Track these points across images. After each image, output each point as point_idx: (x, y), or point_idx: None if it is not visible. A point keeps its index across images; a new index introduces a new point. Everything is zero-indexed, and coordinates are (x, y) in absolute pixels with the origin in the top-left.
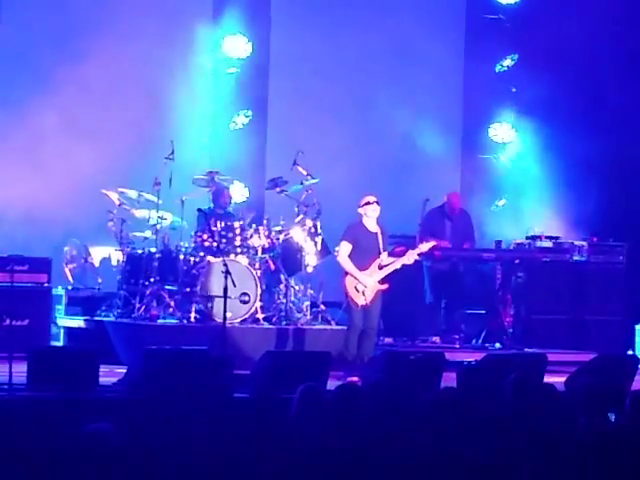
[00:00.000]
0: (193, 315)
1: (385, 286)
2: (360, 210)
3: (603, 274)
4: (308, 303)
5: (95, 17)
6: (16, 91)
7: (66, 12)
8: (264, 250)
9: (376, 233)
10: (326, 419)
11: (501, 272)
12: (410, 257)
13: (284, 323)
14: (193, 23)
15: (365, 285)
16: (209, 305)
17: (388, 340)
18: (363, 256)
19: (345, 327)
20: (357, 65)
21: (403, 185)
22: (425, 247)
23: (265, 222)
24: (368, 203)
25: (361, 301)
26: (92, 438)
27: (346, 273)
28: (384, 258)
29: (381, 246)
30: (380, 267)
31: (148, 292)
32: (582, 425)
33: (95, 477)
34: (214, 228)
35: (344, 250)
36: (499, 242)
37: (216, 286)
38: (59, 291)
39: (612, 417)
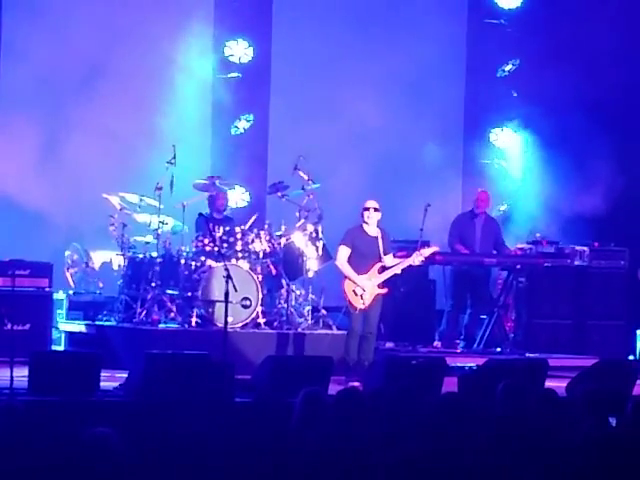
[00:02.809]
0: (194, 320)
1: (384, 290)
2: (361, 215)
3: (605, 279)
4: (309, 308)
5: (97, 22)
6: (20, 95)
7: (70, 17)
8: (265, 255)
9: (376, 237)
10: (327, 424)
11: (503, 277)
12: (416, 259)
13: (285, 328)
14: (194, 28)
15: (364, 289)
16: (210, 310)
17: (389, 345)
18: (362, 260)
19: (346, 332)
20: (358, 70)
21: (404, 190)
22: (427, 252)
23: (266, 227)
24: (366, 209)
25: (359, 305)
26: (93, 443)
27: (345, 277)
28: (388, 260)
29: (381, 250)
30: (385, 269)
31: (149, 297)
32: (583, 430)
33: None
34: (215, 233)
35: (342, 254)
36: None
37: (217, 291)
38: (60, 296)
39: (613, 422)
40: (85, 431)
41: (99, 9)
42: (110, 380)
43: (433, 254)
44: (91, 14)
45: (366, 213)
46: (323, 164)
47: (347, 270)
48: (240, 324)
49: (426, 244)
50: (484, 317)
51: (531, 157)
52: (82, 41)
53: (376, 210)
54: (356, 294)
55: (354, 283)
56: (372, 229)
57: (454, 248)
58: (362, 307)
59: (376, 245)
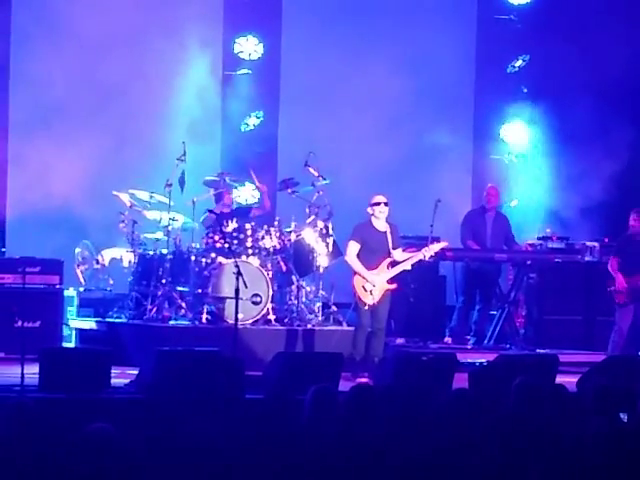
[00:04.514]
0: (205, 316)
1: (393, 286)
2: (369, 209)
3: None
4: (319, 304)
5: (106, 20)
6: (31, 100)
7: (75, 10)
8: (275, 251)
9: (385, 232)
10: (338, 420)
11: (513, 273)
12: (426, 254)
13: (296, 324)
14: (204, 25)
15: (373, 284)
16: (221, 306)
17: (400, 341)
18: (371, 256)
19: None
20: (368, 66)
21: (415, 186)
22: (436, 247)
23: (276, 223)
24: (376, 204)
25: (369, 301)
26: (92, 438)
27: (354, 273)
28: (398, 254)
29: (390, 245)
30: (395, 263)
31: (160, 293)
32: (594, 426)
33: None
34: (225, 228)
35: (352, 250)
36: None
37: (227, 287)
38: (71, 292)
39: (624, 418)
40: (84, 427)
41: (106, 8)
42: (121, 377)
43: (443, 249)
44: (96, 14)
45: (377, 208)
46: (333, 160)
47: (357, 266)
48: (250, 320)
49: (436, 240)
50: (494, 313)
51: (541, 152)
52: (93, 41)
53: (386, 205)
54: (365, 290)
55: (364, 279)
56: (381, 224)
57: (466, 244)
58: (371, 303)
59: (385, 240)
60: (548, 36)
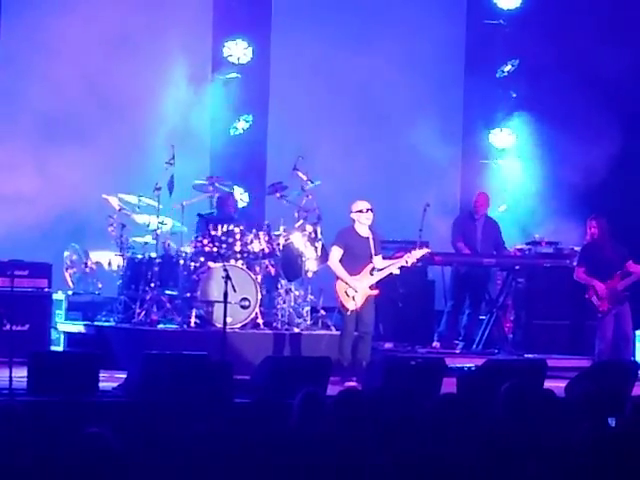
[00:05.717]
0: (193, 320)
1: (376, 292)
2: (353, 216)
3: None
4: (308, 308)
5: (96, 26)
6: (25, 99)
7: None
8: (264, 255)
9: (367, 238)
10: (327, 424)
11: (502, 278)
12: (408, 260)
13: (284, 328)
14: (193, 28)
15: (355, 290)
16: (209, 310)
17: (388, 345)
18: (354, 261)
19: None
20: (358, 70)
21: (404, 190)
22: (418, 254)
23: (265, 227)
24: (361, 211)
25: (351, 306)
26: (88, 442)
27: (337, 278)
28: (378, 261)
29: (373, 251)
30: (377, 270)
31: (148, 297)
32: (582, 431)
33: None
34: (214, 232)
35: (335, 255)
36: None
37: (216, 291)
38: (59, 296)
39: (612, 423)
40: (80, 431)
41: (97, 12)
42: (109, 380)
43: (431, 254)
44: (90, 18)
45: (364, 215)
46: (322, 165)
47: (339, 271)
48: (239, 324)
49: (425, 244)
50: (483, 318)
51: (530, 157)
52: (83, 47)
53: (371, 210)
54: (348, 295)
55: (346, 284)
56: (364, 230)
57: (457, 247)
58: (353, 308)
59: (368, 246)
60: (537, 41)
